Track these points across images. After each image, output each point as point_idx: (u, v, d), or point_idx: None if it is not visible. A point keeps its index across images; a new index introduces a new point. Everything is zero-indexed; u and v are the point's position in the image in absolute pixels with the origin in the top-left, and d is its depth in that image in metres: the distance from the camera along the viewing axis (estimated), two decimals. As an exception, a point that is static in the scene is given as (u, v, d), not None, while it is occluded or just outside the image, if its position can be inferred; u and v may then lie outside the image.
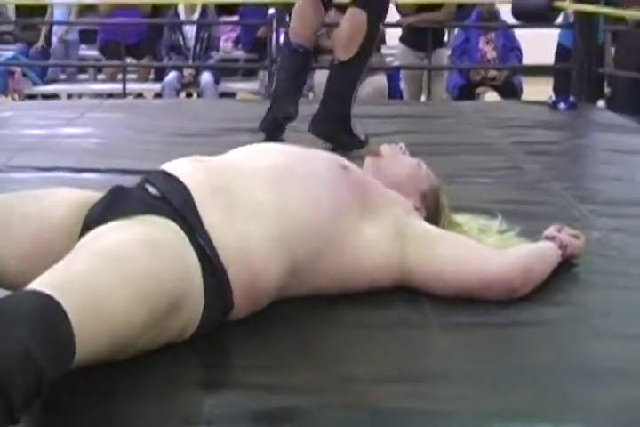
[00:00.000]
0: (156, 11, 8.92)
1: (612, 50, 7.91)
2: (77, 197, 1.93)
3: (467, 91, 7.84)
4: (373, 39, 3.72)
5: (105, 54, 8.93)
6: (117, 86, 8.18)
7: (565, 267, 2.20)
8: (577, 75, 5.34)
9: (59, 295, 1.46)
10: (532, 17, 4.98)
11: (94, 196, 1.91)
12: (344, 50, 3.72)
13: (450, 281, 1.99)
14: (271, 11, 7.99)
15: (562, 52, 7.88)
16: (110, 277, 1.57)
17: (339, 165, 2.06)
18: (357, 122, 3.83)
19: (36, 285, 1.50)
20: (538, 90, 7.58)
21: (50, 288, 1.47)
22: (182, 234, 1.74)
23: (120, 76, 8.22)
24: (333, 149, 3.10)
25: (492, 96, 8.01)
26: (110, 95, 8.37)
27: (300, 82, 3.99)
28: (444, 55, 8.08)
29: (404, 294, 2.03)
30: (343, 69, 3.76)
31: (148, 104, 6.25)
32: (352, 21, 3.70)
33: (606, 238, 2.51)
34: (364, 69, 3.77)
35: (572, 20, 6.41)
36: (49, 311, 1.44)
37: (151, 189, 1.86)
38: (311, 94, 8.06)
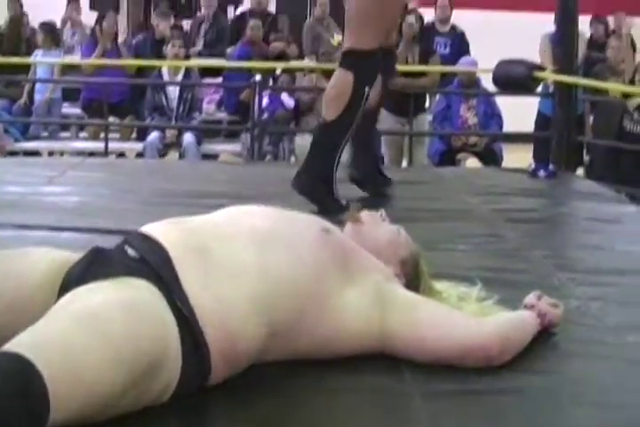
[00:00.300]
0: (140, 70, 8.99)
1: (591, 118, 8.03)
2: (57, 256, 1.92)
3: (448, 157, 7.91)
4: (359, 101, 3.74)
5: (87, 112, 8.97)
6: (99, 145, 8.19)
7: (544, 335, 2.20)
8: (556, 143, 5.39)
9: (33, 356, 1.47)
10: (512, 86, 5.04)
11: (74, 256, 1.90)
12: (329, 110, 3.75)
13: (429, 348, 1.98)
14: (257, 77, 8.05)
15: (542, 119, 7.99)
16: (87, 339, 1.57)
17: (321, 227, 2.06)
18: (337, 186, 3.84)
19: (11, 345, 1.51)
20: (518, 157, 7.66)
21: (24, 349, 1.48)
22: (160, 296, 1.75)
23: (102, 135, 8.24)
24: (315, 212, 3.11)
25: (472, 162, 8.07)
26: (92, 154, 8.38)
27: (359, 142, 4.07)
28: (425, 121, 8.16)
29: (382, 360, 2.02)
30: (328, 129, 3.79)
31: (129, 164, 6.26)
32: (338, 82, 3.74)
33: (585, 307, 2.51)
34: (349, 131, 3.79)
35: (551, 89, 6.50)
36: (22, 372, 1.45)
37: (130, 251, 1.86)
38: (293, 158, 8.12)
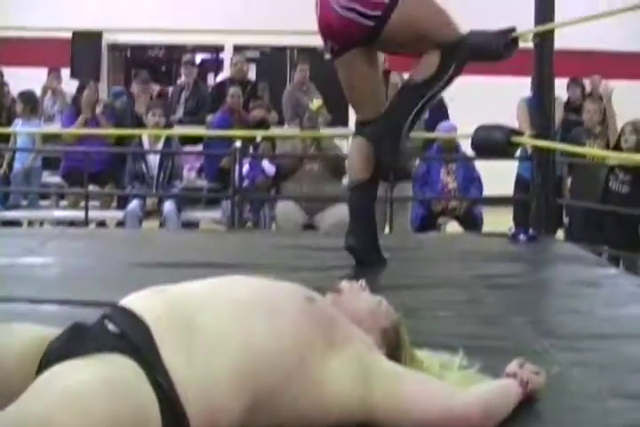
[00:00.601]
0: (121, 139, 9.01)
1: (569, 180, 8.08)
2: (37, 332, 1.91)
3: (428, 221, 7.93)
4: (441, 77, 3.89)
5: (68, 181, 8.96)
6: (79, 214, 8.18)
7: (526, 403, 2.19)
8: (536, 207, 5.41)
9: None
10: (491, 152, 5.08)
11: (53, 331, 1.89)
12: (418, 73, 3.92)
13: (412, 420, 1.97)
14: (238, 144, 8.09)
15: (521, 182, 8.04)
16: (65, 417, 1.56)
17: (304, 296, 2.06)
18: (318, 254, 3.84)
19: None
20: (498, 220, 7.68)
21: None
22: (141, 372, 1.73)
23: (82, 204, 8.23)
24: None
25: (453, 226, 8.09)
26: (72, 223, 8.36)
27: (358, 212, 4.09)
28: (409, 187, 8.17)
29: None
30: (413, 88, 3.94)
31: (109, 234, 6.25)
32: (427, 58, 3.90)
33: (567, 373, 2.51)
34: (428, 93, 3.93)
35: (530, 152, 6.54)
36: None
37: (110, 327, 1.85)
38: (273, 225, 8.10)
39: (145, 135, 8.35)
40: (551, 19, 5.28)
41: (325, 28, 3.94)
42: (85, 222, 7.89)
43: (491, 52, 4.08)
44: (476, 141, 4.97)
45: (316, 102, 9.20)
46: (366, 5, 3.78)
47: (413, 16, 3.85)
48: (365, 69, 3.95)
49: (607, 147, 7.80)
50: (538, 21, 5.28)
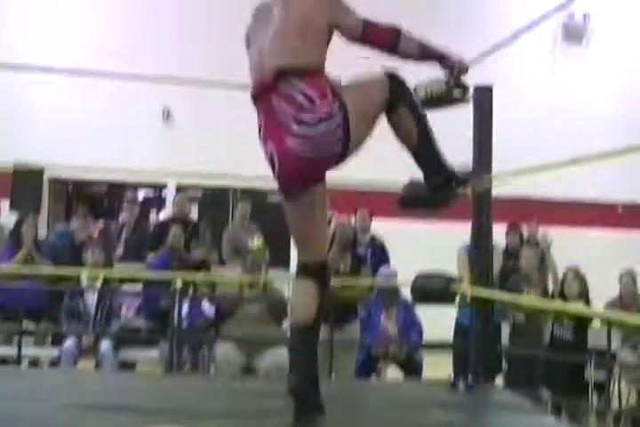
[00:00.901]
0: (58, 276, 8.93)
1: (510, 324, 8.14)
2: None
3: (368, 365, 7.89)
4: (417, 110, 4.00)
5: (1, 316, 8.81)
6: (12, 350, 8.01)
7: None
8: (475, 354, 5.41)
9: None
10: (430, 300, 5.12)
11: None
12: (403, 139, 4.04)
13: None
14: (178, 284, 8.04)
15: (460, 329, 8.06)
16: None
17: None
18: (256, 400, 3.78)
19: None
20: (439, 363, 7.67)
21: None
22: None
23: (16, 339, 8.07)
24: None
25: (393, 371, 8.04)
26: (4, 360, 8.17)
27: (302, 357, 4.00)
28: (356, 329, 8.14)
29: None
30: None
31: (42, 374, 6.11)
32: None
33: None
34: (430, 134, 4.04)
35: (469, 299, 6.59)
36: None
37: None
38: (212, 367, 7.99)
39: (84, 273, 8.29)
40: (489, 170, 5.40)
41: (290, 173, 3.81)
42: (18, 360, 7.72)
43: (430, 202, 4.14)
44: (415, 289, 5.01)
45: (257, 241, 9.19)
46: (329, 136, 3.75)
47: (359, 102, 3.85)
48: (320, 207, 3.93)
49: (545, 294, 7.91)
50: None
